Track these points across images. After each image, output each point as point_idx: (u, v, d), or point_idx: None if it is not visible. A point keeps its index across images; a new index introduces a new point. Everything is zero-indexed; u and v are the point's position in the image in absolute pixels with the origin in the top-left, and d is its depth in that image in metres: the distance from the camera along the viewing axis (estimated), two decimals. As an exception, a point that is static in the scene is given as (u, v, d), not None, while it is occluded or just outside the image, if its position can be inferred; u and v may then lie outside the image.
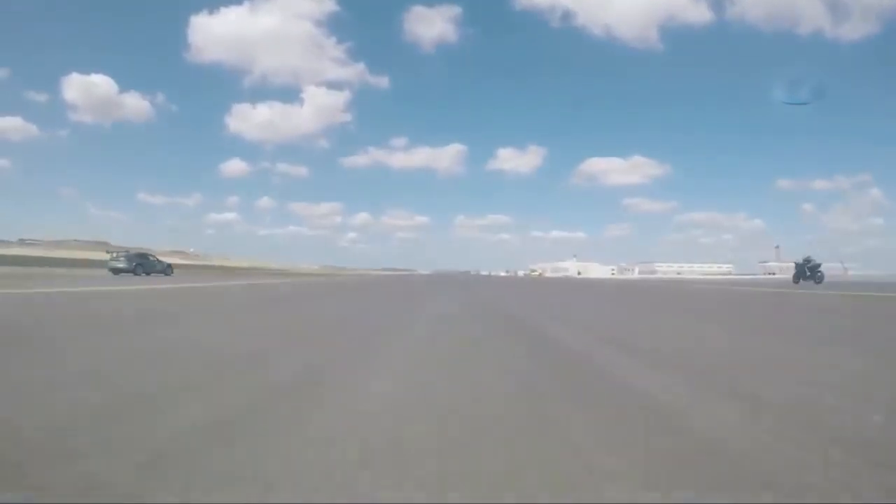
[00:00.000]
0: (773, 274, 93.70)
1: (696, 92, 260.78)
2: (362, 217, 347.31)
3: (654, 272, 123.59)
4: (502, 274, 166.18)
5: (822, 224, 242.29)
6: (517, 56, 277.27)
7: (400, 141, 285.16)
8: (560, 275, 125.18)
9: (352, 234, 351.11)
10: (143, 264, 26.02)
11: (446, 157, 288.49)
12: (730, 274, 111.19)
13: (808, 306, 8.41)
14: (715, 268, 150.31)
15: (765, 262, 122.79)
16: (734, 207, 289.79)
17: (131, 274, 24.73)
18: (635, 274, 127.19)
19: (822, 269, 26.50)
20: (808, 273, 28.01)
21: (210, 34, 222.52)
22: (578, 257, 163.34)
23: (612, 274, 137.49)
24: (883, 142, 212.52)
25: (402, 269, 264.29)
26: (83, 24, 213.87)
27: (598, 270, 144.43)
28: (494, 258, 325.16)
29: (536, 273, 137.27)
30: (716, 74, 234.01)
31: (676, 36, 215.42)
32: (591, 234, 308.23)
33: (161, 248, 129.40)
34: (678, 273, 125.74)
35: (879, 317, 6.80)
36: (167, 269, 27.64)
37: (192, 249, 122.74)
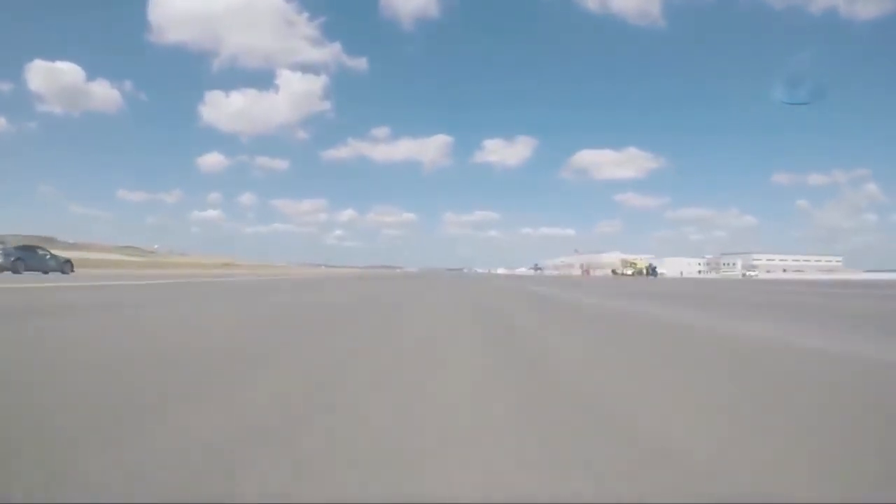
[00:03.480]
0: None
1: (698, 76, 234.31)
2: (348, 214, 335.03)
3: (753, 268, 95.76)
4: (500, 272, 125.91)
5: (816, 221, 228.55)
6: (504, 34, 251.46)
7: (382, 131, 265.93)
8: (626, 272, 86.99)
9: (338, 232, 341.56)
10: (26, 259, 18.27)
11: (431, 148, 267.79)
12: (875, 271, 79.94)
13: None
14: (823, 261, 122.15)
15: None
16: (727, 203, 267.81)
17: (9, 272, 17.34)
18: (737, 269, 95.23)
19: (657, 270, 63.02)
20: (650, 272, 53.40)
21: (170, 11, 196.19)
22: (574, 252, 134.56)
23: (700, 272, 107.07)
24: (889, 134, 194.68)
25: (389, 266, 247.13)
26: (34, 4, 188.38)
27: (670, 266, 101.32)
28: (483, 255, 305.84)
29: (639, 266, 74.44)
30: (721, 56, 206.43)
31: (681, 11, 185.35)
32: (582, 231, 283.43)
33: (114, 243, 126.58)
34: (784, 270, 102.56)
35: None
36: (64, 266, 19.83)
37: (156, 246, 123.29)
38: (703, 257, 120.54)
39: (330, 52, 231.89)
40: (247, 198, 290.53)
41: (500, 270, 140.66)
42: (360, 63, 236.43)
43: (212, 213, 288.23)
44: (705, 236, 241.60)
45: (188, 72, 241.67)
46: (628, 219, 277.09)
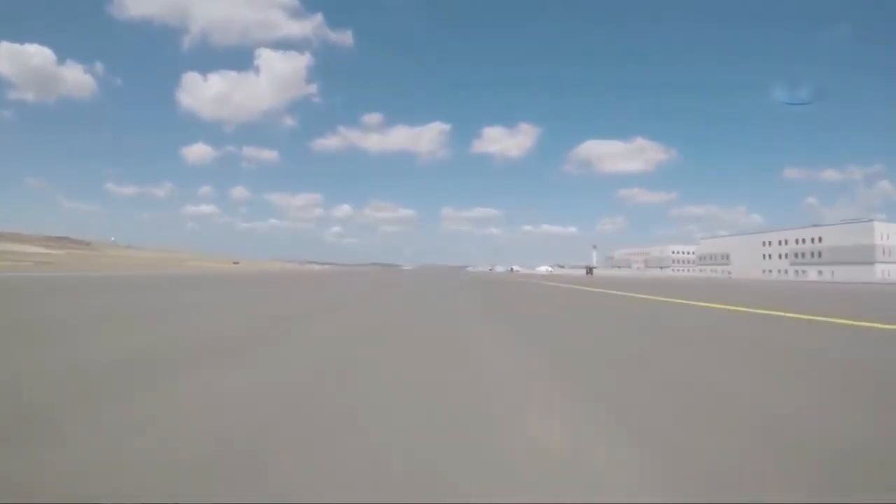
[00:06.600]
0: None
1: (710, 63, 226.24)
2: (344, 209, 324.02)
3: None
4: (517, 269, 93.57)
5: (824, 220, 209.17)
6: (505, 7, 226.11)
7: (374, 118, 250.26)
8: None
9: (336, 228, 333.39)
10: None
11: (427, 137, 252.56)
12: None
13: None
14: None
15: None
16: (734, 200, 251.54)
17: None
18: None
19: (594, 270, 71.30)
20: (590, 272, 62.39)
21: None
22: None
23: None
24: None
25: (388, 264, 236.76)
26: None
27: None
28: (483, 253, 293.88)
29: None
30: (741, 31, 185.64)
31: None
32: (584, 229, 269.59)
33: (53, 233, 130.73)
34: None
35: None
36: None
37: (113, 238, 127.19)
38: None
39: (311, 24, 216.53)
40: (239, 191, 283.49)
41: (516, 268, 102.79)
42: (346, 37, 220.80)
43: (205, 209, 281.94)
44: (708, 234, 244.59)
45: (160, 51, 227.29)
46: (631, 216, 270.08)
